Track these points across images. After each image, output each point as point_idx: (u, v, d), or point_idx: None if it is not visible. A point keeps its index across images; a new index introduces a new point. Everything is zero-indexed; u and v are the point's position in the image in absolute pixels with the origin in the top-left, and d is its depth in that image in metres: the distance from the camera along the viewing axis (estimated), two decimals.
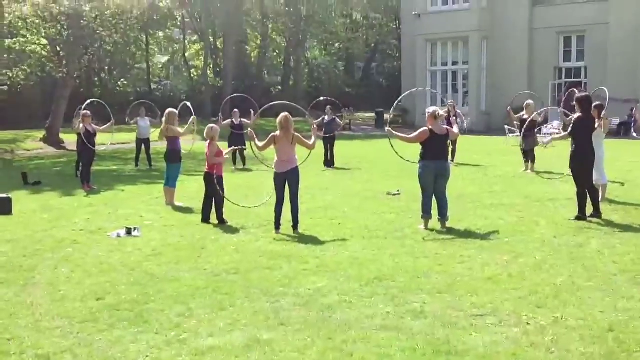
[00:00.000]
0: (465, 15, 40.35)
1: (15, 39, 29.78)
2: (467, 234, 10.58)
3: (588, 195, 11.55)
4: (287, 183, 11.10)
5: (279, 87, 59.11)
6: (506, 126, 28.92)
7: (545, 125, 28.81)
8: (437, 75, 42.68)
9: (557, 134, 11.80)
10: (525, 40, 39.80)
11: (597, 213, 11.51)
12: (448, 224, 11.08)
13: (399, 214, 12.55)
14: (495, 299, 7.21)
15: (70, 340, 6.14)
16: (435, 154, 11.03)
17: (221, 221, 11.92)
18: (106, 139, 22.32)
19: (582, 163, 11.41)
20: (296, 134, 11.16)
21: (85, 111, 17.14)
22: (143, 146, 22.21)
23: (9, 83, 32.42)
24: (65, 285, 8.11)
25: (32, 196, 16.00)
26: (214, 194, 12.02)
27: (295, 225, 11.11)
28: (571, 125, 11.62)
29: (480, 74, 41.02)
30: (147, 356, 5.75)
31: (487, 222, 11.49)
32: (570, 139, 11.61)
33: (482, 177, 17.64)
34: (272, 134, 11.09)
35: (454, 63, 42.21)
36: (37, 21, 31.16)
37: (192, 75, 57.78)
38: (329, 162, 21.08)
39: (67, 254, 9.79)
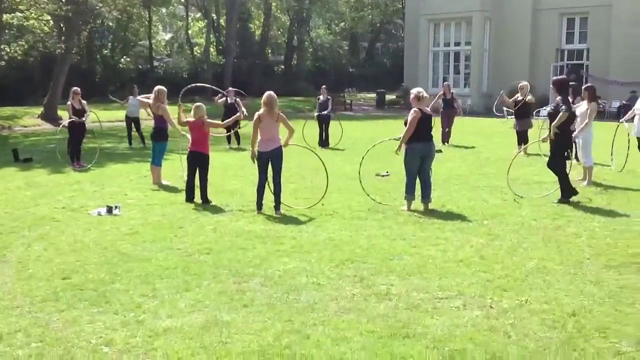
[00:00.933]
0: None
1: (12, 14, 29.61)
2: (448, 216, 10.52)
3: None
4: (270, 163, 11.01)
5: (282, 66, 58.88)
6: (505, 108, 28.67)
7: (544, 108, 28.55)
8: (440, 56, 42.40)
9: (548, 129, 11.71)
10: (528, 21, 39.47)
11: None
12: (431, 206, 11.02)
13: (384, 195, 12.48)
14: (463, 281, 7.15)
15: (27, 320, 6.09)
16: (423, 136, 10.96)
17: (205, 201, 11.85)
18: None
19: (561, 146, 11.38)
20: (281, 113, 11.01)
21: (75, 88, 17.10)
22: (133, 125, 22.20)
23: (6, 58, 32.18)
24: (35, 263, 8.07)
25: (20, 173, 15.98)
26: (200, 175, 12.01)
27: (277, 206, 11.02)
28: (563, 110, 11.35)
29: (483, 55, 40.75)
30: (100, 337, 5.69)
31: (470, 204, 11.43)
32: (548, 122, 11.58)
33: (474, 159, 17.54)
34: (257, 113, 10.94)
35: (457, 44, 41.93)
36: None
37: (195, 53, 57.56)
38: (323, 142, 21.00)
39: (44, 231, 9.76)
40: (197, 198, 11.94)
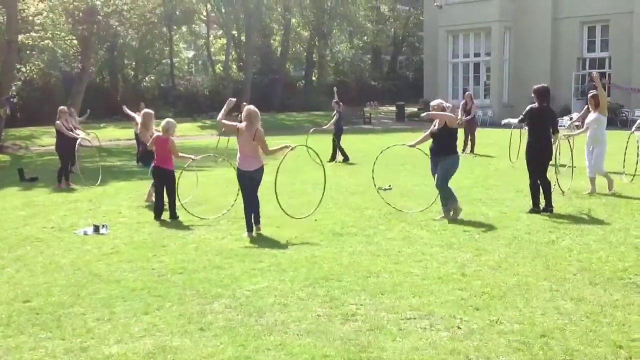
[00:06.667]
0: (487, 5, 39.48)
1: (27, 35, 29.76)
2: (440, 231, 10.14)
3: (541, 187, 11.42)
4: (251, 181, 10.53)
5: (303, 81, 58.76)
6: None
7: (569, 117, 28.25)
8: (459, 67, 41.91)
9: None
10: (548, 31, 38.81)
11: (549, 207, 11.22)
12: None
13: (380, 209, 12.12)
14: (436, 300, 6.79)
15: None
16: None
17: (173, 216, 11.78)
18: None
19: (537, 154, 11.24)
20: (259, 132, 10.21)
21: (62, 107, 17.37)
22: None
23: (22, 78, 32.35)
24: (3, 286, 7.86)
25: (21, 192, 15.90)
26: (165, 189, 11.93)
27: (257, 220, 10.51)
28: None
29: (503, 66, 40.19)
30: None
31: (467, 218, 11.03)
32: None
33: (482, 171, 17.11)
34: (239, 124, 10.49)
35: (476, 55, 41.41)
36: (52, 16, 31.11)
37: (217, 70, 57.67)
38: (332, 157, 20.57)
39: (23, 252, 9.57)
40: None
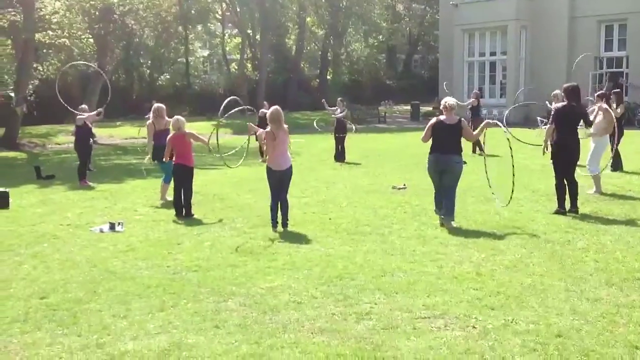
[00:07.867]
0: (504, 4, 39.21)
1: (44, 33, 29.91)
2: (455, 230, 10.10)
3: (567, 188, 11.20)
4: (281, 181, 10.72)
5: (318, 80, 58.72)
6: (539, 118, 28.07)
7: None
8: (475, 66, 41.74)
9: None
10: (564, 30, 38.53)
11: (574, 208, 11.02)
12: (454, 224, 10.45)
13: (395, 209, 12.11)
14: (451, 299, 6.78)
15: None
16: (439, 147, 10.51)
17: (188, 214, 11.91)
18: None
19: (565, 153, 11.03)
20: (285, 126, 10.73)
21: (83, 105, 17.51)
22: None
23: (39, 77, 32.52)
24: (20, 282, 7.92)
25: (39, 190, 15.96)
26: (183, 187, 12.01)
27: (285, 223, 10.68)
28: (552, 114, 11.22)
29: (519, 65, 39.96)
30: None
31: (482, 218, 11.01)
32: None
33: (497, 170, 16.99)
34: (265, 130, 10.57)
35: (492, 54, 41.18)
36: (68, 15, 31.26)
37: (232, 69, 57.75)
38: (339, 157, 20.44)
39: (40, 249, 9.62)
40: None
